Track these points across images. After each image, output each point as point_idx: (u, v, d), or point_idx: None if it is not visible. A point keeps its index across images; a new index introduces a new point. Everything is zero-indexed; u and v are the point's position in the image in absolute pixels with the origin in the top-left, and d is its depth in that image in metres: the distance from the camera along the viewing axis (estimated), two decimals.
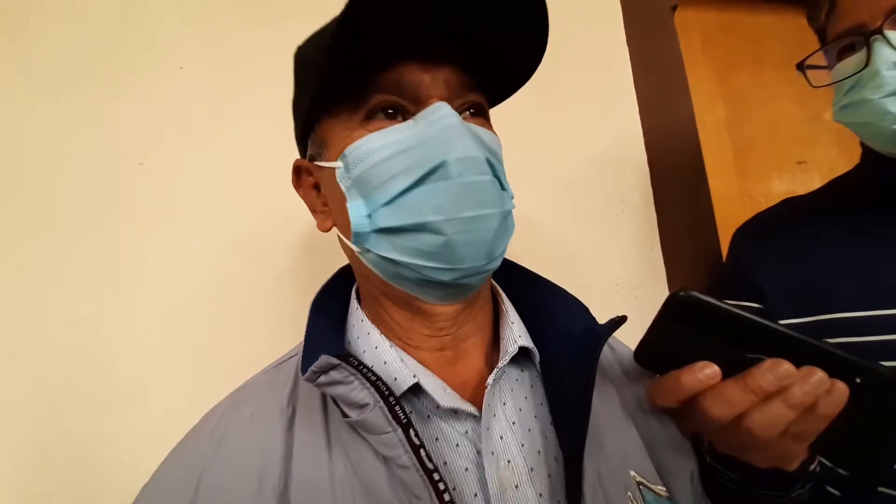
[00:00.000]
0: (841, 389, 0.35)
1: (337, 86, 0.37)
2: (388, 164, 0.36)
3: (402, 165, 0.36)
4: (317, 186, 0.44)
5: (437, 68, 0.38)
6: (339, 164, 0.38)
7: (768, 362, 0.35)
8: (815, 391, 0.34)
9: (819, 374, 0.34)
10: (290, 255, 0.70)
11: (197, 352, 0.65)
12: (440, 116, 0.36)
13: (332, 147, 0.39)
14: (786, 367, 0.34)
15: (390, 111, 0.38)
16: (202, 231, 0.68)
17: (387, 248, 0.37)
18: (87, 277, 0.63)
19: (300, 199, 0.46)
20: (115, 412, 0.62)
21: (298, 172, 0.45)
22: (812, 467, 0.42)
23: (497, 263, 0.40)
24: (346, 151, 0.37)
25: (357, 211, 0.38)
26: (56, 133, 0.65)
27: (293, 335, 0.41)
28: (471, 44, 0.38)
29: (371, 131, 0.37)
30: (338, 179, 0.38)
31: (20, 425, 0.60)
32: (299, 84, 0.42)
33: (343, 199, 0.39)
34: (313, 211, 0.45)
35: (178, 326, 0.65)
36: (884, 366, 0.36)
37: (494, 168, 0.39)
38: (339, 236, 0.42)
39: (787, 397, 0.34)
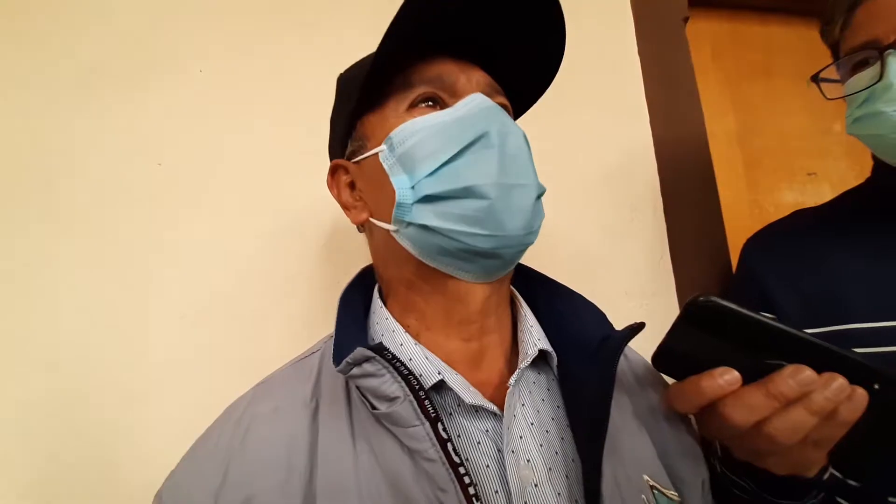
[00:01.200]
0: (861, 395, 0.35)
1: (384, 81, 0.42)
2: (431, 140, 0.39)
3: (444, 139, 0.39)
4: (351, 184, 0.46)
5: (471, 70, 0.43)
6: (382, 147, 0.41)
7: (790, 368, 0.35)
8: (836, 397, 0.34)
9: (840, 380, 0.34)
10: (309, 257, 0.70)
11: (211, 351, 0.66)
12: (479, 102, 0.41)
13: (376, 137, 0.42)
14: (808, 372, 0.34)
15: (431, 102, 0.42)
16: (218, 232, 0.68)
17: (429, 217, 0.39)
18: (103, 276, 0.64)
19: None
20: (129, 410, 0.62)
21: (334, 171, 0.47)
22: (826, 476, 0.42)
23: (533, 238, 0.41)
24: (392, 134, 0.40)
25: (401, 184, 0.39)
26: (77, 133, 0.66)
27: (306, 336, 0.42)
28: (497, 56, 0.44)
29: (415, 117, 0.41)
30: (381, 160, 0.41)
31: (35, 422, 0.60)
32: (342, 96, 0.47)
33: (384, 181, 0.40)
34: (346, 207, 0.46)
35: (192, 325, 0.66)
36: None
37: (529, 148, 0.42)
38: (372, 227, 0.44)
39: (809, 403, 0.34)
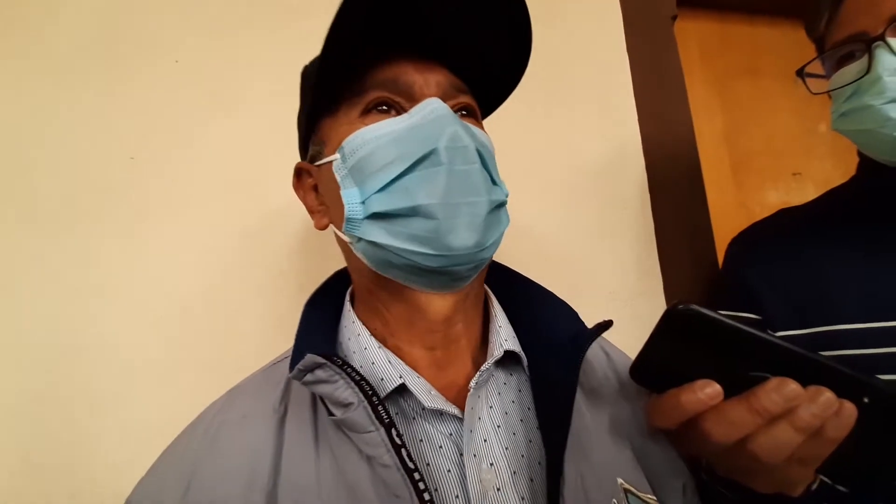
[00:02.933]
0: (849, 411, 0.33)
1: (336, 84, 0.40)
2: (381, 152, 0.38)
3: (394, 153, 0.37)
4: (315, 188, 0.45)
5: (430, 71, 0.41)
6: (335, 155, 0.40)
7: (774, 381, 0.33)
8: (823, 413, 0.32)
9: (827, 395, 0.32)
10: (285, 255, 0.69)
11: (187, 352, 0.64)
12: (432, 109, 0.38)
13: (331, 143, 0.41)
14: (792, 386, 0.32)
15: (385, 107, 0.40)
16: (194, 229, 0.66)
17: (378, 234, 0.38)
18: (74, 274, 0.62)
19: (295, 198, 0.47)
20: (101, 413, 0.61)
21: (299, 174, 0.46)
22: (813, 486, 0.40)
23: (488, 254, 0.40)
24: (344, 143, 0.39)
25: (351, 198, 0.39)
26: (47, 126, 0.64)
27: (286, 337, 0.41)
28: (459, 50, 0.42)
29: (367, 125, 0.39)
30: (334, 170, 0.40)
31: (5, 425, 0.58)
32: (303, 93, 0.46)
33: (339, 190, 0.39)
34: (311, 211, 0.46)
35: (168, 326, 0.64)
36: (893, 385, 0.34)
37: (484, 159, 0.40)
38: (335, 233, 0.43)
39: (794, 420, 0.32)
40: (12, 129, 0.63)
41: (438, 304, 0.41)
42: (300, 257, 0.69)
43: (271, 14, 0.73)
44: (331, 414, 0.37)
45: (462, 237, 0.37)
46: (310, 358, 0.35)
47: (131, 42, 0.68)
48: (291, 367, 0.37)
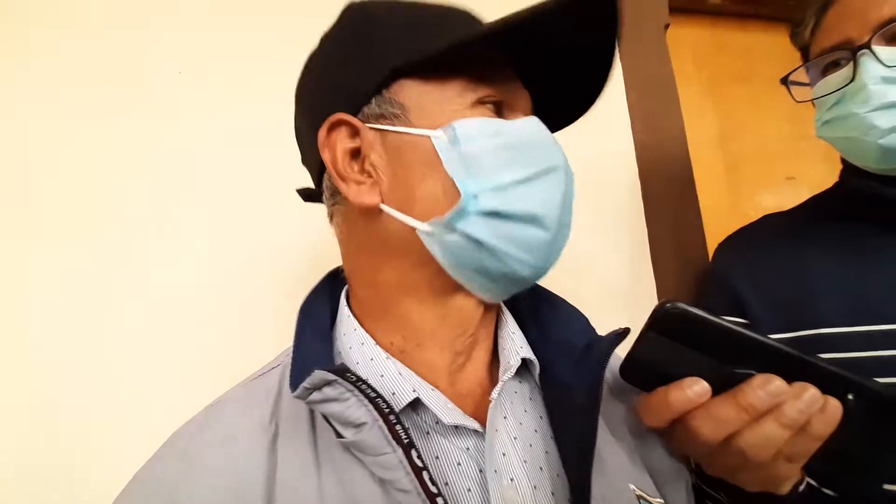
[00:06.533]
0: (834, 407, 0.33)
1: (456, 56, 0.36)
2: (504, 151, 0.36)
3: (517, 157, 0.37)
4: (354, 153, 0.38)
5: (523, 90, 0.41)
6: (439, 133, 0.36)
7: (759, 378, 0.33)
8: (808, 409, 0.33)
9: (812, 391, 0.33)
10: (289, 262, 0.69)
11: (191, 359, 0.64)
12: (540, 128, 0.39)
13: (426, 115, 0.36)
14: (777, 383, 0.33)
15: (495, 107, 0.38)
16: (200, 237, 0.67)
17: (485, 232, 0.35)
18: (81, 281, 0.63)
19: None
20: (105, 418, 0.61)
21: (335, 127, 0.38)
22: (801, 488, 0.40)
23: None
24: (457, 124, 0.35)
25: (466, 187, 0.35)
26: (53, 137, 0.65)
27: (287, 343, 0.39)
28: (546, 80, 0.42)
29: (475, 116, 0.37)
30: (437, 148, 0.36)
31: (6, 428, 0.58)
32: (378, 38, 0.39)
33: (428, 172, 0.36)
34: (343, 179, 0.37)
35: (173, 332, 0.64)
36: (878, 382, 0.34)
37: None
38: (372, 215, 0.38)
39: (780, 416, 0.33)
40: (19, 141, 0.64)
41: (481, 309, 0.40)
42: (306, 263, 0.70)
43: (277, 27, 0.74)
44: (339, 436, 0.33)
45: (555, 256, 0.39)
46: (318, 374, 0.31)
47: (135, 53, 0.68)
48: (294, 384, 0.32)
